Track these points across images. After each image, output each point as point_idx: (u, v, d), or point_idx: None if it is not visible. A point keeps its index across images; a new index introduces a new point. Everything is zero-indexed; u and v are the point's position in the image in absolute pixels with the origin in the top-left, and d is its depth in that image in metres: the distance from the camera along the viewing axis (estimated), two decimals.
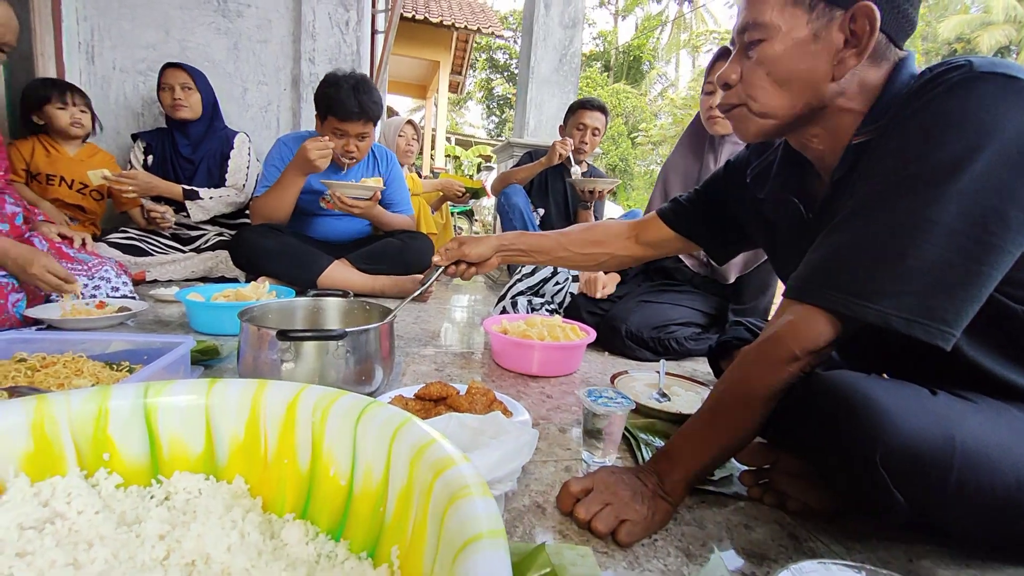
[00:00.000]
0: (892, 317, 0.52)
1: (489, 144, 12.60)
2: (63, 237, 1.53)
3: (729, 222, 0.94)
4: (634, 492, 0.62)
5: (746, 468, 0.74)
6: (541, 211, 2.46)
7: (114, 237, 1.92)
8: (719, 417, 0.62)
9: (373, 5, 2.81)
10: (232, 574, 0.37)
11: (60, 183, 1.90)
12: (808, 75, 0.62)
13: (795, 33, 0.61)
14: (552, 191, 2.47)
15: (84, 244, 1.58)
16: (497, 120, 21.41)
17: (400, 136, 2.80)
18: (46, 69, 2.09)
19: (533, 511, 0.65)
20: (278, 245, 1.74)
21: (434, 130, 9.92)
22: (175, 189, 1.95)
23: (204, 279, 2.03)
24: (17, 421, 0.39)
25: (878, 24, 0.58)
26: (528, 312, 1.62)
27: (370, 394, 0.87)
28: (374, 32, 3.00)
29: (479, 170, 8.70)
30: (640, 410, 0.96)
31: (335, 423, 0.46)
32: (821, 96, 0.63)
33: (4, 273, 1.16)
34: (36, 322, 1.16)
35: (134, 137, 2.12)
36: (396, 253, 1.94)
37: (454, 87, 10.06)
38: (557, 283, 1.65)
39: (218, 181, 2.11)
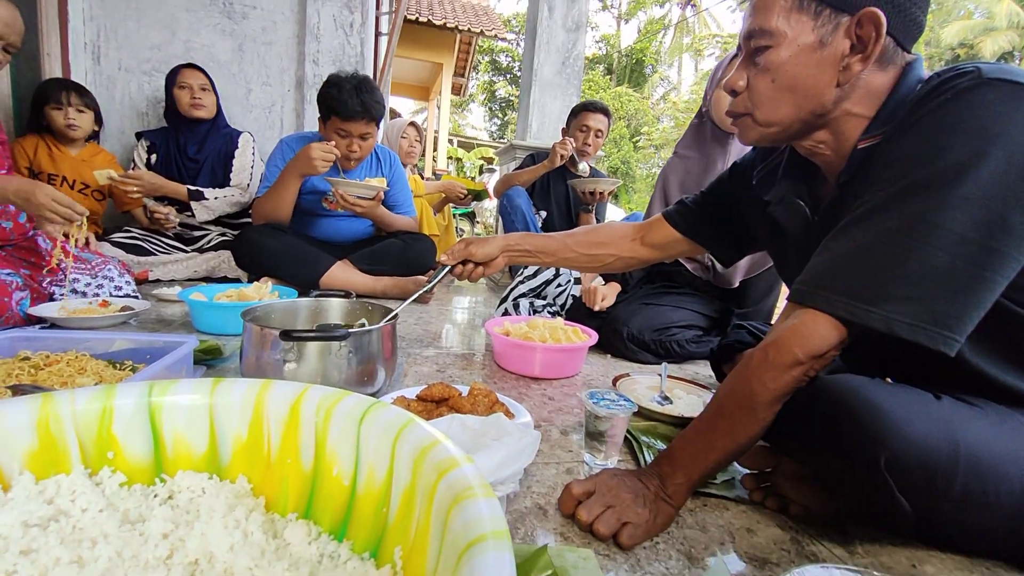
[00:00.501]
0: (896, 322, 0.52)
1: (491, 146, 12.62)
2: (67, 236, 1.53)
3: (735, 224, 0.94)
4: (636, 495, 0.62)
5: (748, 471, 0.74)
6: (543, 213, 2.47)
7: (117, 236, 1.93)
8: (722, 421, 0.62)
9: (377, 7, 2.82)
10: (235, 573, 0.37)
11: (62, 183, 1.90)
12: (813, 82, 0.62)
13: (801, 39, 0.61)
14: (554, 193, 2.47)
15: (87, 243, 1.59)
16: (499, 122, 21.45)
17: (403, 138, 2.80)
18: (52, 69, 2.10)
19: (535, 513, 0.64)
20: (281, 245, 1.75)
21: (436, 132, 9.95)
22: (180, 189, 1.96)
23: (207, 279, 2.03)
24: (22, 419, 0.40)
25: (884, 29, 0.58)
26: (530, 314, 1.62)
27: (372, 395, 0.87)
28: (378, 34, 3.01)
29: (481, 172, 8.72)
30: (642, 413, 0.96)
31: (338, 423, 0.46)
32: (826, 102, 0.63)
33: (8, 272, 1.16)
34: (39, 320, 1.16)
35: (138, 136, 2.13)
36: (398, 254, 1.94)
37: (457, 89, 10.09)
38: (559, 285, 1.66)
39: (222, 181, 2.11)
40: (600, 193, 2.22)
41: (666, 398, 1.04)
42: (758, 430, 0.61)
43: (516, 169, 2.53)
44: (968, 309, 0.52)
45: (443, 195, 3.06)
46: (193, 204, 1.98)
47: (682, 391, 1.09)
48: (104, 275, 1.44)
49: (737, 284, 1.52)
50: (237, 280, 1.96)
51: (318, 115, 1.79)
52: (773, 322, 0.70)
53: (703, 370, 1.41)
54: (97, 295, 1.39)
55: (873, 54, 0.59)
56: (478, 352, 1.37)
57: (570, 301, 1.68)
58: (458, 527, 0.33)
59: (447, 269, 1.05)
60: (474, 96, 20.99)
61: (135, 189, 1.87)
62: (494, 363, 1.27)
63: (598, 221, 2.44)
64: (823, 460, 0.60)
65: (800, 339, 0.57)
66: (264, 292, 1.39)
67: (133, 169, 2.06)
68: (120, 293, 1.45)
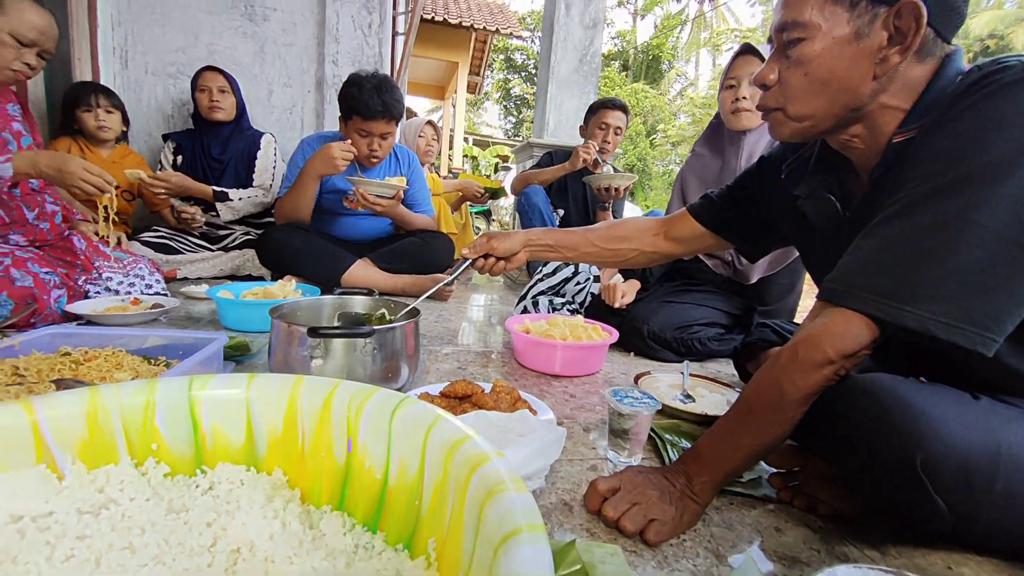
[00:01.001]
0: (931, 322, 0.51)
1: (507, 144, 12.61)
2: (100, 236, 1.58)
3: (761, 219, 0.92)
4: (662, 492, 0.62)
5: (775, 470, 0.74)
6: (561, 212, 2.46)
7: (146, 236, 1.98)
8: (749, 420, 0.61)
9: (394, 7, 2.84)
10: (275, 562, 0.38)
11: None
12: (848, 75, 0.61)
13: (836, 31, 0.60)
14: (572, 192, 2.46)
15: (119, 242, 1.64)
16: (514, 120, 21.43)
17: (420, 137, 2.82)
18: (83, 73, 2.17)
19: (560, 509, 0.65)
20: (303, 244, 1.78)
21: (452, 131, 9.98)
22: (206, 190, 2.00)
23: (232, 277, 2.08)
24: (74, 410, 0.41)
25: (925, 20, 0.56)
26: (549, 312, 1.62)
27: (397, 391, 0.88)
28: (395, 34, 3.03)
29: (496, 170, 8.72)
30: (665, 411, 0.96)
31: (369, 418, 0.47)
32: (861, 97, 0.62)
33: (47, 270, 1.21)
34: (76, 317, 1.20)
35: (164, 138, 2.18)
36: (417, 252, 1.96)
37: (472, 88, 10.11)
38: (578, 283, 1.65)
39: (245, 181, 2.16)
40: (616, 189, 2.19)
41: (688, 396, 1.03)
42: (786, 429, 0.60)
43: (533, 167, 2.53)
44: (1007, 308, 0.50)
45: (460, 193, 3.07)
46: (218, 204, 2.02)
47: (705, 389, 1.08)
48: (135, 273, 1.48)
49: (755, 280, 1.49)
50: (261, 278, 2.00)
51: (339, 114, 1.82)
52: (797, 320, 0.69)
53: (725, 368, 1.39)
54: (129, 293, 1.43)
55: (912, 46, 0.58)
56: (497, 350, 1.38)
57: (589, 299, 1.67)
58: (492, 520, 0.34)
59: (468, 262, 1.06)
60: (489, 94, 21.00)
61: (163, 189, 1.92)
62: (514, 360, 1.28)
63: (616, 219, 2.42)
64: (854, 460, 0.59)
65: (831, 338, 0.56)
66: (288, 290, 1.41)
67: (160, 170, 2.11)
68: (151, 291, 1.49)
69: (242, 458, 0.48)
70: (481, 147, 12.45)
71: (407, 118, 3.15)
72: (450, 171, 8.04)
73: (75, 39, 2.14)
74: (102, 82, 2.17)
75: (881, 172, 0.63)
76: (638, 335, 1.39)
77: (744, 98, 1.44)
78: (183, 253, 2.01)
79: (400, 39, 2.96)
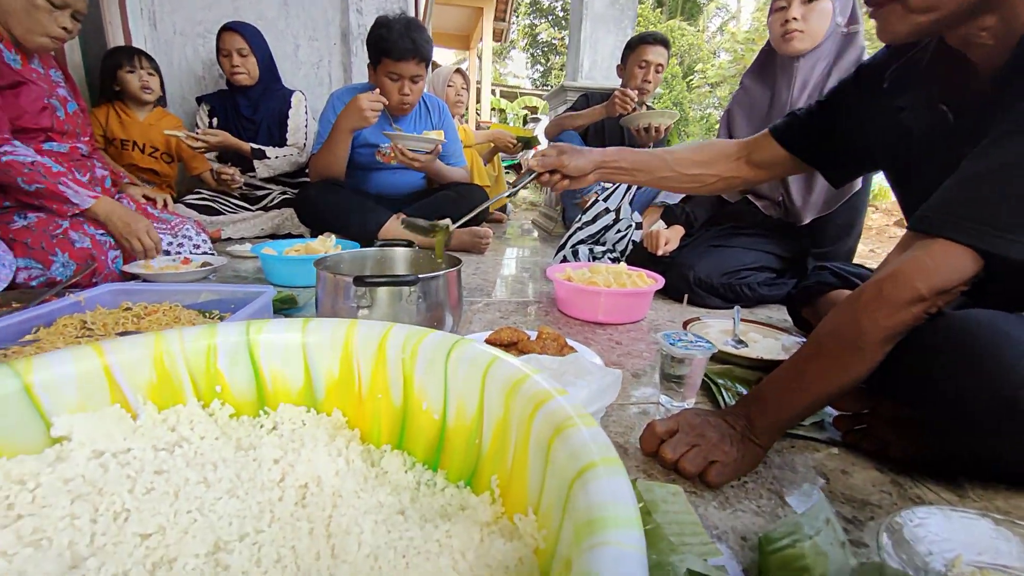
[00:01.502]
0: None
1: (535, 95, 12.17)
2: (147, 199, 1.62)
3: (852, 138, 0.83)
4: (722, 434, 0.60)
5: (840, 413, 0.70)
6: None
7: (190, 198, 2.03)
8: (820, 362, 0.57)
9: None
10: (343, 496, 0.39)
11: (134, 148, 2.00)
12: None
13: None
14: (609, 136, 2.35)
15: (166, 205, 1.68)
16: (542, 69, 20.56)
17: (449, 86, 2.74)
18: (115, 38, 2.17)
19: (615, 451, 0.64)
20: (339, 200, 1.78)
21: (478, 83, 9.66)
22: (244, 147, 2.01)
23: (272, 236, 2.12)
24: (142, 353, 0.42)
25: None
26: (590, 261, 1.58)
27: None
28: None
29: (525, 123, 8.46)
30: (717, 356, 0.93)
31: (425, 360, 0.46)
32: None
33: (102, 232, 1.25)
34: (133, 276, 1.25)
35: (198, 100, 2.19)
36: (451, 205, 1.93)
37: (498, 35, 9.67)
38: (619, 231, 1.60)
39: (278, 140, 2.15)
40: (656, 129, 2.07)
41: (741, 341, 0.99)
42: (862, 373, 0.55)
43: (568, 111, 2.42)
44: None
45: (492, 144, 3.00)
46: (256, 163, 2.03)
47: (757, 334, 1.04)
48: (183, 234, 1.52)
49: (808, 220, 1.40)
50: (301, 236, 2.03)
51: (367, 62, 1.77)
52: (857, 260, 0.63)
53: (776, 314, 1.34)
54: (179, 253, 1.48)
55: None
56: (539, 299, 1.36)
57: (631, 247, 1.62)
58: (562, 456, 0.32)
59: (534, 175, 0.99)
60: (515, 42, 20.12)
61: (204, 147, 1.93)
62: (556, 310, 1.26)
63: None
64: (943, 403, 0.54)
65: (924, 272, 0.50)
66: (329, 245, 1.42)
67: (196, 132, 2.13)
68: (198, 251, 1.53)
69: (302, 400, 0.49)
70: (509, 99, 12.05)
71: (432, 70, 3.05)
72: (478, 125, 7.86)
73: (105, 2, 2.14)
74: (134, 45, 2.18)
75: (1007, 72, 0.54)
76: (684, 282, 1.34)
77: (795, 19, 1.31)
78: (225, 214, 2.05)
79: None
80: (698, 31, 17.21)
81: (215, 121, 2.13)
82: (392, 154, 1.76)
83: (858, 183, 1.32)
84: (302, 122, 2.18)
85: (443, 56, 12.13)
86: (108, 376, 0.41)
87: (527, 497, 0.36)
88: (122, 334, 0.77)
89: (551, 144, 0.99)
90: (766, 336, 1.03)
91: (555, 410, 0.36)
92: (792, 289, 1.16)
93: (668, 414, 0.75)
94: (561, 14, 19.23)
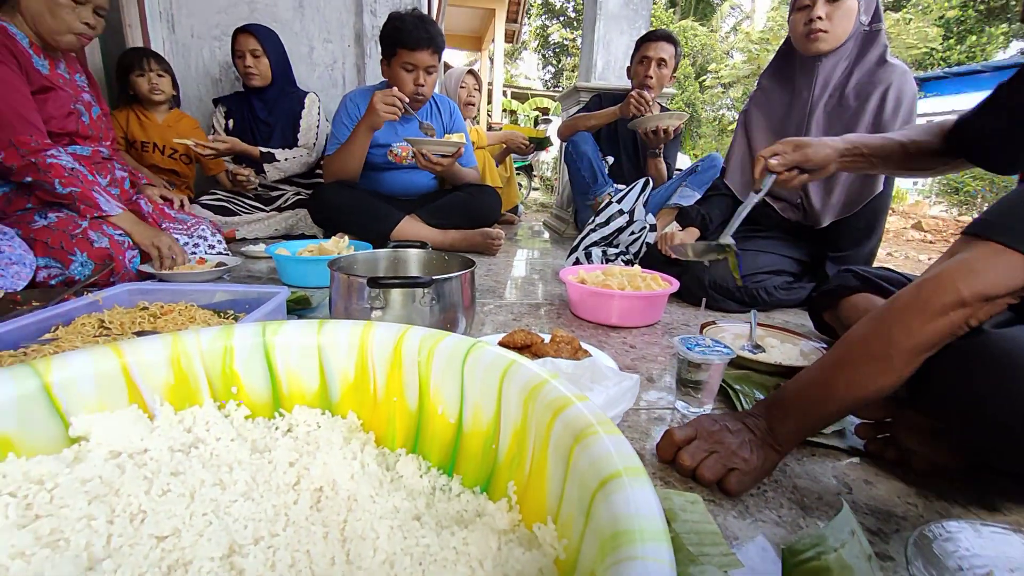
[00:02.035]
0: None
1: (547, 96, 12.14)
2: (164, 199, 1.64)
3: None
4: (741, 441, 0.58)
5: (862, 421, 0.68)
6: (610, 159, 2.35)
7: (205, 199, 2.05)
8: (848, 370, 0.55)
9: None
10: (358, 500, 0.38)
11: (154, 150, 2.03)
12: None
13: None
14: (622, 137, 2.33)
15: (183, 205, 1.70)
16: (553, 70, 20.54)
17: (461, 87, 2.74)
18: (134, 40, 2.21)
19: None
20: (353, 201, 1.79)
21: (490, 84, 9.66)
22: (254, 151, 2.03)
23: (286, 236, 2.13)
24: (160, 354, 0.42)
25: None
26: (602, 263, 1.57)
27: None
28: None
29: (536, 124, 8.44)
30: (733, 361, 0.91)
31: (441, 363, 0.46)
32: None
33: (120, 232, 1.27)
34: (150, 276, 1.27)
35: (215, 102, 2.21)
36: (463, 207, 1.94)
37: (509, 36, 9.66)
38: (632, 232, 1.58)
39: (292, 142, 2.17)
40: (665, 131, 2.04)
41: (758, 346, 0.97)
42: (890, 384, 0.53)
43: (580, 111, 2.40)
44: None
45: (504, 146, 2.99)
46: (265, 165, 2.05)
47: (774, 339, 1.02)
48: (199, 235, 1.53)
49: (827, 224, 1.38)
50: (314, 236, 2.04)
51: (380, 59, 1.78)
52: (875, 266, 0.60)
53: (793, 319, 1.31)
54: (194, 253, 1.49)
55: None
56: (551, 302, 1.36)
57: (644, 249, 1.61)
58: (584, 465, 0.32)
59: (774, 177, 0.91)
60: (526, 43, 20.13)
61: (212, 154, 1.96)
62: (568, 312, 1.25)
63: (668, 165, 2.29)
64: (982, 425, 0.51)
65: (969, 274, 0.47)
66: (342, 246, 1.43)
67: (213, 134, 2.16)
68: (213, 251, 1.55)
69: (317, 402, 0.48)
70: (520, 100, 12.04)
71: (444, 71, 3.05)
72: (490, 127, 7.86)
73: (124, 5, 2.17)
74: (152, 48, 2.21)
75: None
76: (699, 285, 1.32)
77: (820, 18, 1.28)
78: (239, 215, 2.07)
79: None
80: (712, 31, 17.07)
81: (231, 123, 2.15)
82: (416, 159, 1.76)
83: (880, 184, 1.30)
84: (314, 122, 2.19)
85: (455, 58, 12.17)
86: (126, 376, 0.41)
87: (546, 505, 0.35)
88: (139, 333, 0.78)
89: (781, 141, 0.93)
90: (784, 341, 1.01)
91: (575, 417, 0.35)
92: (812, 291, 1.14)
93: (684, 420, 0.73)
94: (573, 15, 19.20)
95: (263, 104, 2.14)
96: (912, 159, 0.89)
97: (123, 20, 2.16)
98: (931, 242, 4.81)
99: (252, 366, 0.46)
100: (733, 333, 1.05)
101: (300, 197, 2.20)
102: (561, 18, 19.55)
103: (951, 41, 12.37)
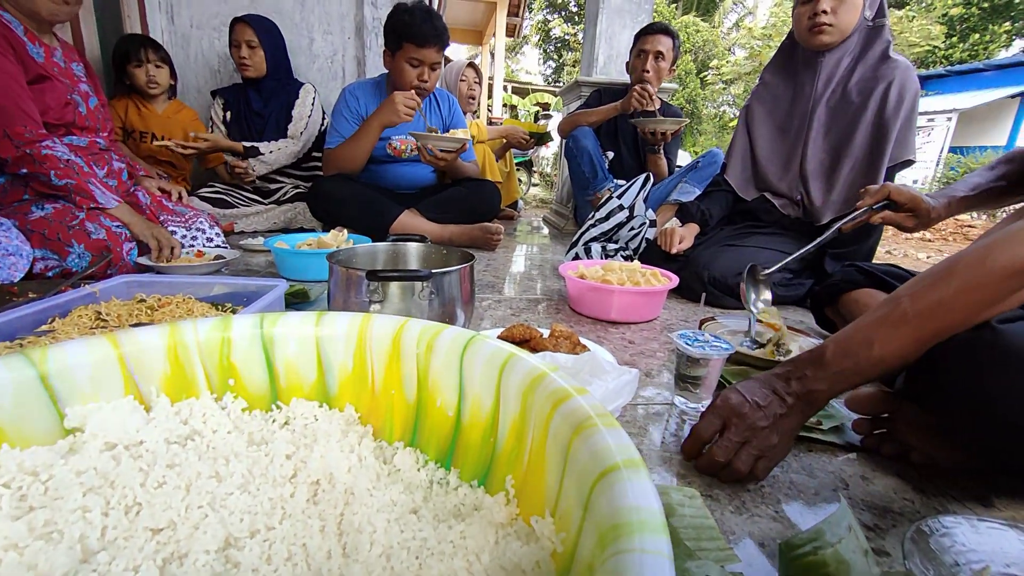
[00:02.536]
0: None
1: (547, 91, 12.09)
2: (162, 191, 1.64)
3: None
4: (771, 421, 0.56)
5: (860, 416, 0.68)
6: (611, 154, 2.34)
7: (204, 192, 2.04)
8: (941, 287, 0.50)
9: None
10: (355, 493, 0.38)
11: (152, 140, 2.02)
12: None
13: None
14: (622, 132, 2.32)
15: (180, 198, 1.69)
16: (554, 65, 20.45)
17: (462, 80, 2.73)
18: (133, 29, 2.19)
19: None
20: (352, 195, 1.78)
21: (491, 78, 9.60)
22: (236, 147, 2.01)
23: (285, 229, 2.12)
24: (156, 345, 0.42)
25: None
26: (602, 258, 1.57)
27: None
28: None
29: (536, 119, 8.41)
30: (732, 356, 0.91)
31: (440, 356, 0.45)
32: None
33: (118, 224, 1.26)
34: (147, 268, 1.26)
35: (213, 94, 2.20)
36: (463, 201, 1.93)
37: (511, 30, 9.59)
38: (632, 228, 1.58)
39: (285, 134, 2.16)
40: (663, 134, 2.06)
41: (756, 342, 0.97)
42: (988, 309, 0.49)
43: (581, 107, 2.39)
44: None
45: (504, 140, 2.98)
46: (251, 160, 2.03)
47: (769, 332, 1.02)
48: (197, 227, 1.53)
49: (827, 220, 1.37)
50: (313, 230, 2.03)
51: (383, 49, 1.78)
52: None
53: (792, 315, 1.31)
54: (192, 246, 1.48)
55: None
56: (550, 297, 1.35)
57: (644, 245, 1.60)
58: (583, 458, 0.31)
59: (866, 210, 1.01)
60: (527, 37, 20.02)
61: (194, 153, 1.94)
62: (567, 307, 1.25)
63: (669, 161, 2.28)
64: (991, 421, 0.51)
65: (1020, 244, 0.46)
66: (341, 240, 1.42)
67: (211, 125, 2.14)
68: (211, 244, 1.54)
69: (315, 395, 0.48)
70: (520, 95, 11.97)
71: (444, 65, 3.04)
72: (490, 122, 7.82)
73: None
74: (151, 38, 2.19)
75: None
76: (698, 281, 1.32)
77: (825, 12, 1.27)
78: (237, 207, 2.06)
79: None
80: (714, 27, 17.00)
81: (229, 114, 2.14)
82: (403, 148, 1.76)
83: (879, 182, 1.29)
84: (306, 112, 2.17)
85: (455, 51, 12.10)
86: (122, 367, 0.41)
87: (544, 499, 0.35)
88: (136, 325, 0.78)
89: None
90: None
91: (575, 409, 0.35)
92: (815, 286, 1.14)
93: (682, 416, 0.73)
94: (575, 9, 19.09)
95: (259, 96, 2.12)
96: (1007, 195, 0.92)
97: (123, 11, 2.14)
98: (929, 240, 4.81)
99: (250, 358, 0.46)
100: (732, 329, 1.05)
101: (299, 190, 2.19)
102: (563, 12, 19.44)
103: (954, 39, 12.33)
